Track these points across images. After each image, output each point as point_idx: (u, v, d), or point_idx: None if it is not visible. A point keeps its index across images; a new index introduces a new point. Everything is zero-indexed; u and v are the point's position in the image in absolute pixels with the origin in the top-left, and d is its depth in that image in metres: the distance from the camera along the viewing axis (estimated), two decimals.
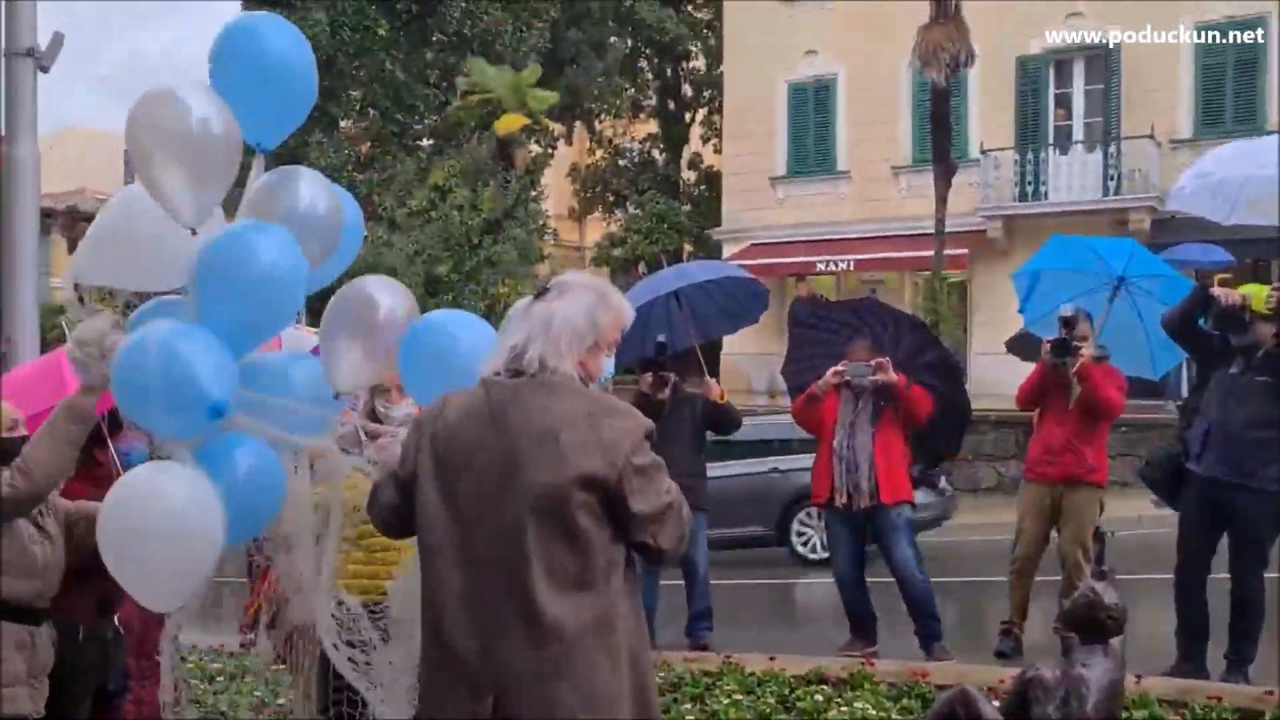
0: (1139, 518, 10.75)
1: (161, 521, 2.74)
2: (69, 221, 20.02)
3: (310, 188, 3.06)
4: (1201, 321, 5.64)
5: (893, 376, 6.23)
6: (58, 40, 4.65)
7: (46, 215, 16.41)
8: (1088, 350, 6.03)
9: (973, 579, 9.60)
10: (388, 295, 3.13)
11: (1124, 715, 4.57)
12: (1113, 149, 18.98)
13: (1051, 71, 19.95)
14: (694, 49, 26.85)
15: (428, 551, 2.45)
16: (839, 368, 6.33)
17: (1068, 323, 6.03)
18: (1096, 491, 6.27)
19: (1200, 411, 5.61)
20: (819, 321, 7.09)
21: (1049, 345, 6.11)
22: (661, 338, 6.75)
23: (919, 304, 19.17)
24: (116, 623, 4.09)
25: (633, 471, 2.35)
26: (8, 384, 4.10)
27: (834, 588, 6.75)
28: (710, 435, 7.35)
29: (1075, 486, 6.14)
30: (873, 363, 6.24)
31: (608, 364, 2.61)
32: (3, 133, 4.86)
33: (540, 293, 2.53)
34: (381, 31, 19.88)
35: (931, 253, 17.79)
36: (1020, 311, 6.94)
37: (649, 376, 6.76)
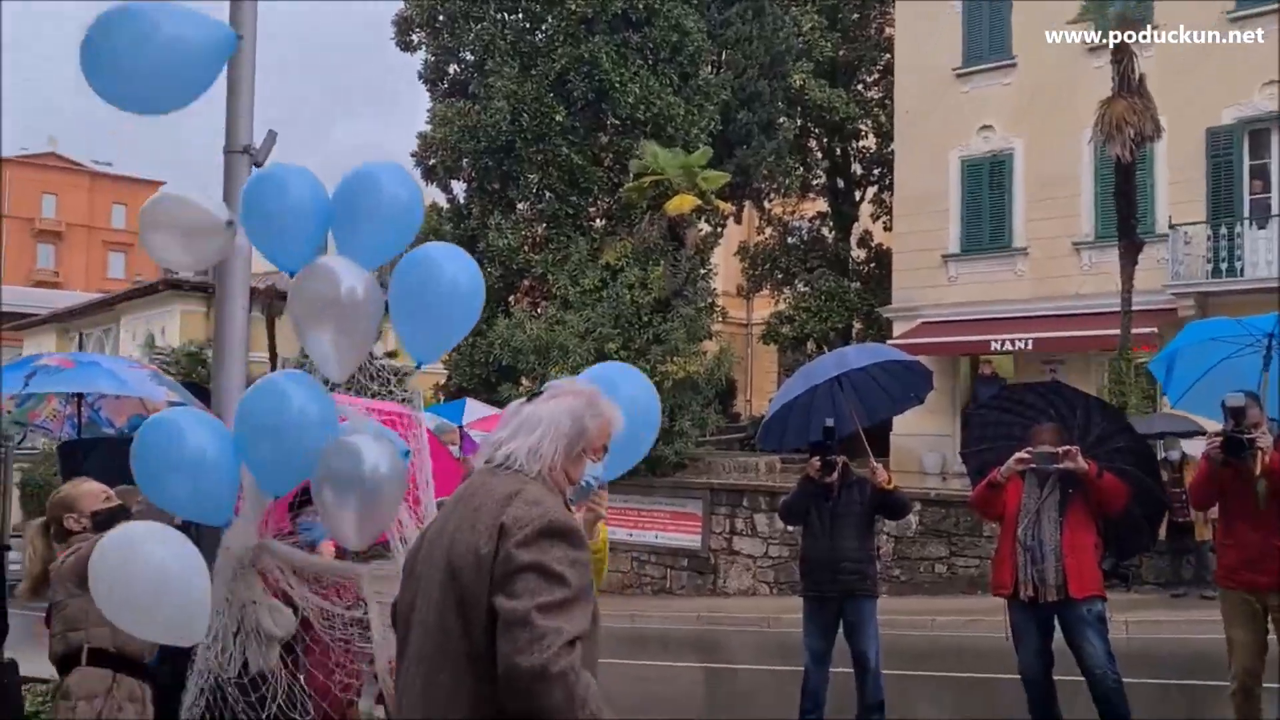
0: None
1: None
2: (268, 299, 21.39)
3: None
4: None
5: (1082, 464, 5.89)
6: (271, 138, 5.00)
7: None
8: (1265, 439, 5.34)
9: (1168, 681, 8.97)
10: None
11: None
12: None
13: (1246, 142, 19.00)
14: (864, 127, 26.81)
15: (398, 650, 2.49)
16: (1023, 454, 6.04)
17: (1236, 413, 5.33)
18: None
19: None
20: (1002, 403, 6.84)
21: (1218, 443, 5.45)
22: (829, 422, 6.69)
23: (1104, 386, 18.33)
24: (304, 685, 4.27)
25: (508, 559, 2.21)
26: None
27: (1017, 683, 6.42)
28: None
29: None
30: (1060, 450, 5.95)
31: (594, 469, 2.63)
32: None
33: (532, 395, 2.56)
34: (558, 118, 20.66)
35: (1116, 331, 17.03)
36: (1165, 394, 6.37)
37: (816, 461, 6.70)
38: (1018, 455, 6.05)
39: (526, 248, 21.17)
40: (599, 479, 3.92)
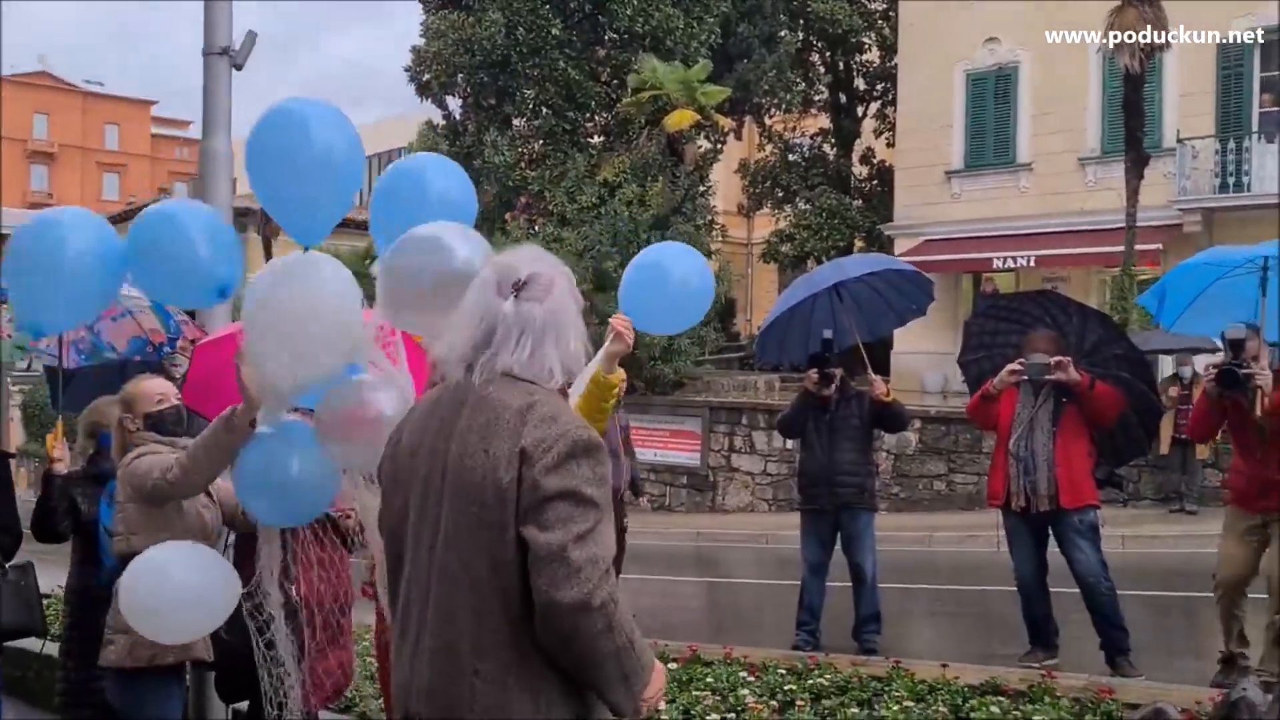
0: None
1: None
2: (264, 219, 21.18)
3: None
4: None
5: (1074, 375, 5.84)
6: (250, 39, 4.85)
7: (243, 214, 17.40)
8: (1264, 376, 5.16)
9: (1164, 593, 9.01)
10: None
11: None
12: None
13: (1257, 55, 18.58)
14: (867, 41, 26.27)
15: (389, 567, 2.35)
16: (1015, 366, 5.98)
17: (1235, 345, 5.19)
18: None
19: None
20: (999, 311, 6.75)
21: (1214, 376, 5.29)
22: (827, 334, 6.60)
23: (1106, 302, 18.22)
24: (296, 595, 4.24)
25: (536, 488, 2.07)
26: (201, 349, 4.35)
27: (1013, 595, 6.44)
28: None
29: None
30: (1053, 360, 5.87)
31: None
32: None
33: (518, 286, 2.23)
34: (555, 31, 20.20)
35: (1120, 248, 16.87)
36: (1156, 324, 6.11)
37: (814, 373, 6.63)
38: (1010, 366, 6.01)
39: (523, 164, 20.87)
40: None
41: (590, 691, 2.15)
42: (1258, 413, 5.18)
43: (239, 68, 4.93)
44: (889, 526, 15.08)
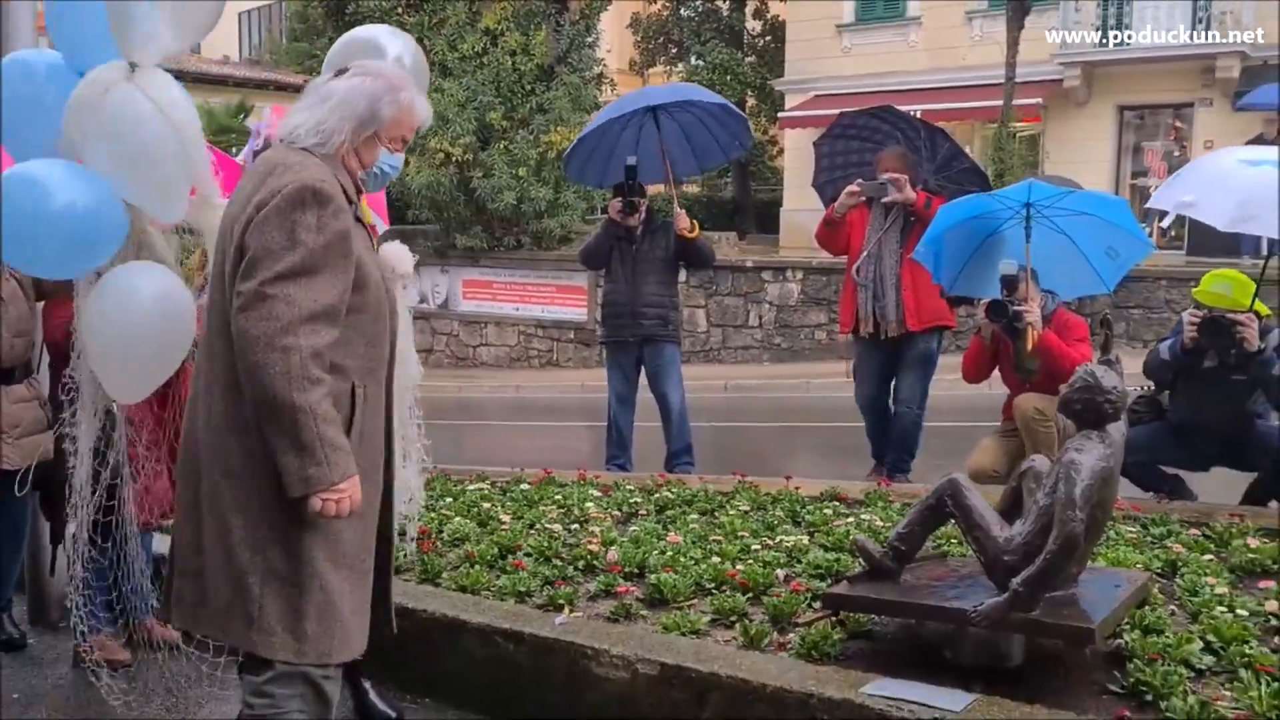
0: None
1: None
2: None
3: None
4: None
5: (910, 195, 5.73)
6: None
7: None
8: (1033, 314, 4.98)
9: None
10: None
11: (1143, 531, 4.43)
12: None
13: None
14: None
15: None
16: (853, 187, 5.86)
17: (1008, 281, 5.01)
18: None
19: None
20: (845, 130, 6.51)
21: (984, 311, 5.10)
22: (631, 160, 6.30)
23: (988, 155, 18.47)
24: (116, 412, 4.10)
25: (253, 229, 2.25)
26: None
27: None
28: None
29: None
30: (887, 178, 5.75)
31: (391, 159, 2.62)
32: None
33: (339, 71, 2.51)
34: None
35: (1000, 102, 17.01)
36: (937, 283, 5.60)
37: (617, 202, 6.37)
38: (849, 188, 5.88)
39: (400, 10, 19.91)
40: (395, 168, 3.72)
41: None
42: (1029, 346, 5.02)
43: None
44: (772, 375, 15.44)
